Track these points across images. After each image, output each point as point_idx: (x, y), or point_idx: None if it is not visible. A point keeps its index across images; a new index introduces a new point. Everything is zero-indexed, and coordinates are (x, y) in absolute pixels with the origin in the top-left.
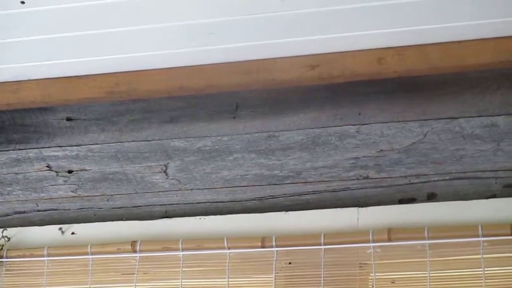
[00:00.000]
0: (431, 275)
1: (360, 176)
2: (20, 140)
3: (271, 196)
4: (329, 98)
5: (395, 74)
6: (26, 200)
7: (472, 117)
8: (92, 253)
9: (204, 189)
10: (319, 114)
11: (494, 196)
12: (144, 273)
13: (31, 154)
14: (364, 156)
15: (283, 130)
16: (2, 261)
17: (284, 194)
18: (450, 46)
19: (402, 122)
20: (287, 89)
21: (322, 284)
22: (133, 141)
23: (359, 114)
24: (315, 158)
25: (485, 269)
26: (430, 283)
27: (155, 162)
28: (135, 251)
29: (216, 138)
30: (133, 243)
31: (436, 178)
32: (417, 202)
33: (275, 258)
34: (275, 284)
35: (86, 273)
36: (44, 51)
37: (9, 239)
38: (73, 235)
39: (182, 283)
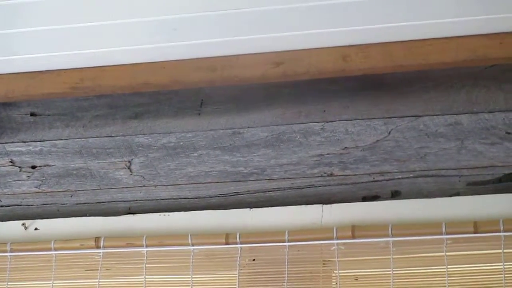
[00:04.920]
0: (394, 272)
1: (325, 173)
2: None
3: (235, 192)
4: (293, 95)
5: (359, 72)
6: None
7: (436, 115)
8: (56, 249)
9: (168, 185)
10: (283, 111)
11: (457, 194)
12: (107, 269)
13: None
14: (328, 153)
15: (247, 127)
16: None
17: (249, 191)
18: (414, 44)
19: (367, 119)
20: (252, 86)
21: (285, 280)
22: (97, 137)
23: (324, 111)
24: (280, 155)
25: (448, 266)
26: (394, 280)
27: (119, 158)
28: (98, 247)
29: (181, 135)
30: (97, 239)
31: (400, 176)
32: (381, 200)
33: (239, 255)
34: (238, 281)
35: (49, 269)
36: (8, 46)
37: None
38: (36, 230)
39: (146, 279)
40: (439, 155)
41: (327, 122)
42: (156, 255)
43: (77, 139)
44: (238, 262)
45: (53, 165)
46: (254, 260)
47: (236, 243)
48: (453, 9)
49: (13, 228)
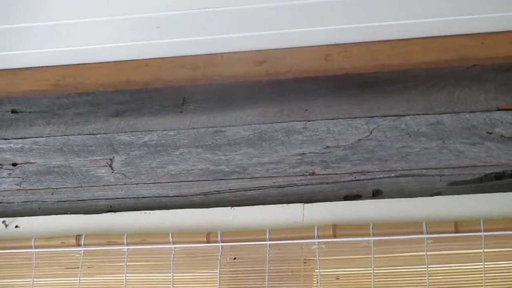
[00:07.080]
0: (375, 271)
1: (306, 172)
2: None
3: (216, 191)
4: (276, 94)
5: (342, 71)
6: None
7: (418, 114)
8: (36, 247)
9: (149, 183)
10: (266, 110)
11: (438, 193)
12: (88, 267)
13: None
14: (310, 152)
15: (229, 126)
16: None
17: (230, 189)
18: (396, 44)
19: (349, 119)
20: (234, 85)
21: (266, 279)
22: (78, 135)
23: (306, 110)
24: (262, 154)
25: (429, 266)
26: (374, 280)
27: (101, 156)
28: (79, 245)
29: (163, 133)
30: (78, 237)
31: (381, 175)
32: (362, 199)
33: (220, 253)
34: (219, 279)
35: (30, 266)
36: None
37: None
38: (17, 228)
39: (127, 278)
40: (420, 155)
41: (309, 121)
42: (137, 253)
43: (58, 137)
44: (219, 261)
45: (34, 163)
46: (235, 258)
47: (217, 242)
48: (436, 8)
49: None
